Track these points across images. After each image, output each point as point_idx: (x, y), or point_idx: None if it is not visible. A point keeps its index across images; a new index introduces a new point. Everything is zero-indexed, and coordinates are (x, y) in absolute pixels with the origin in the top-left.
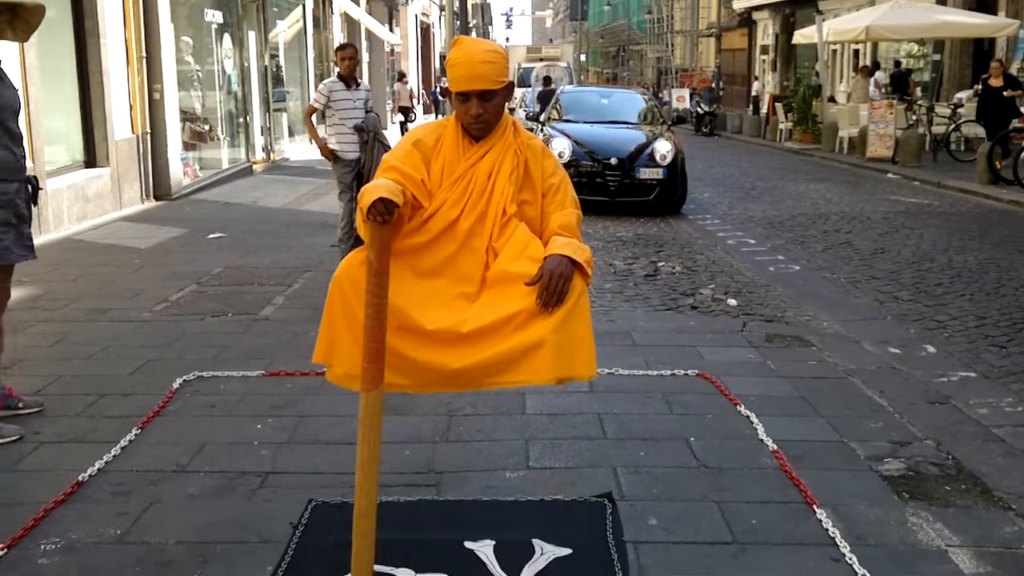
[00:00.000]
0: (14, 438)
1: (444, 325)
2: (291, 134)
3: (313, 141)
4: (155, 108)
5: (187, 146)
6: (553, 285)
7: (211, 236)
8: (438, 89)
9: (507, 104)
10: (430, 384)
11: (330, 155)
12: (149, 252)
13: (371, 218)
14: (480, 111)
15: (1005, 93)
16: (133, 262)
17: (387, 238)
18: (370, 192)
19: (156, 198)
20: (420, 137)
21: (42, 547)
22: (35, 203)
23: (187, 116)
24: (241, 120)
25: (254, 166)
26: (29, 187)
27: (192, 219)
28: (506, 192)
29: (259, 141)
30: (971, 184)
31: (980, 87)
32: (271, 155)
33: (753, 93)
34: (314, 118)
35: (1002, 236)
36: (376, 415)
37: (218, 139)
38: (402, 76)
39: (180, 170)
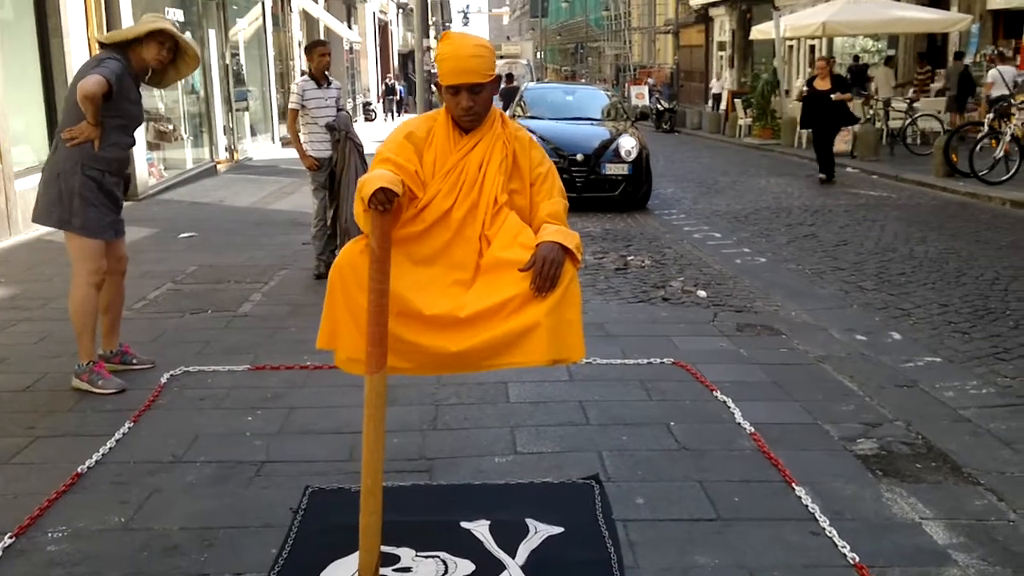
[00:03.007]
0: (114, 391)
1: (442, 310)
2: (253, 133)
3: (295, 148)
4: None
5: (151, 146)
6: (546, 271)
7: (182, 235)
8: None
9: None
10: (430, 367)
11: (313, 164)
12: None
13: (372, 207)
14: (470, 104)
15: (833, 96)
16: None
17: (388, 226)
18: (370, 182)
19: None
20: (412, 130)
21: (49, 535)
22: (125, 195)
23: (151, 116)
24: (204, 120)
25: (218, 166)
26: (125, 182)
27: (160, 219)
28: (496, 182)
29: (222, 141)
30: (928, 177)
31: (805, 89)
32: (234, 155)
33: (714, 90)
34: (298, 124)
35: (960, 227)
36: (381, 397)
37: (182, 139)
38: None
39: (146, 170)
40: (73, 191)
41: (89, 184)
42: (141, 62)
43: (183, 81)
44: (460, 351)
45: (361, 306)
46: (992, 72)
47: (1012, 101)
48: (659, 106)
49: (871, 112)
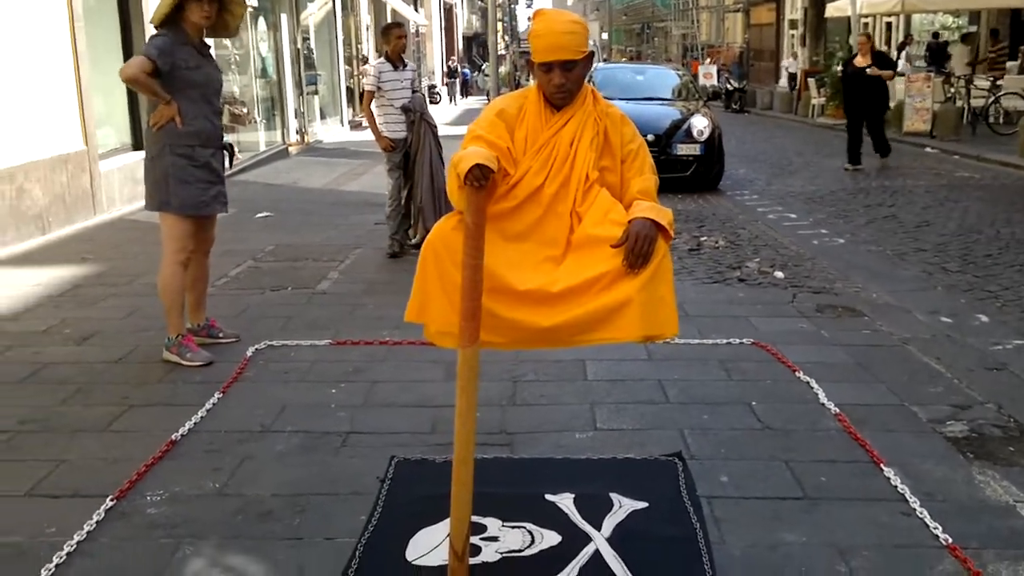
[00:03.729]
0: (202, 363)
1: (534, 285)
2: (323, 116)
3: (371, 130)
4: None
5: (226, 129)
6: (639, 247)
7: (258, 216)
8: (458, 67)
9: (587, 74)
10: (522, 341)
11: (389, 145)
12: None
13: (468, 183)
14: (562, 81)
15: (868, 71)
16: None
17: (483, 202)
18: (466, 159)
19: None
20: (503, 107)
21: (148, 498)
22: (230, 165)
23: (226, 99)
24: (276, 103)
25: (290, 148)
26: (225, 152)
27: (237, 199)
28: (588, 159)
29: (293, 124)
30: (1012, 157)
31: (841, 68)
32: (305, 137)
33: (789, 69)
34: (373, 105)
35: None
36: (473, 370)
37: (255, 122)
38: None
39: None
40: (167, 173)
41: (179, 162)
42: (193, 27)
43: (255, 65)
44: (552, 326)
45: (454, 281)
46: None
47: None
48: (728, 86)
49: (952, 91)
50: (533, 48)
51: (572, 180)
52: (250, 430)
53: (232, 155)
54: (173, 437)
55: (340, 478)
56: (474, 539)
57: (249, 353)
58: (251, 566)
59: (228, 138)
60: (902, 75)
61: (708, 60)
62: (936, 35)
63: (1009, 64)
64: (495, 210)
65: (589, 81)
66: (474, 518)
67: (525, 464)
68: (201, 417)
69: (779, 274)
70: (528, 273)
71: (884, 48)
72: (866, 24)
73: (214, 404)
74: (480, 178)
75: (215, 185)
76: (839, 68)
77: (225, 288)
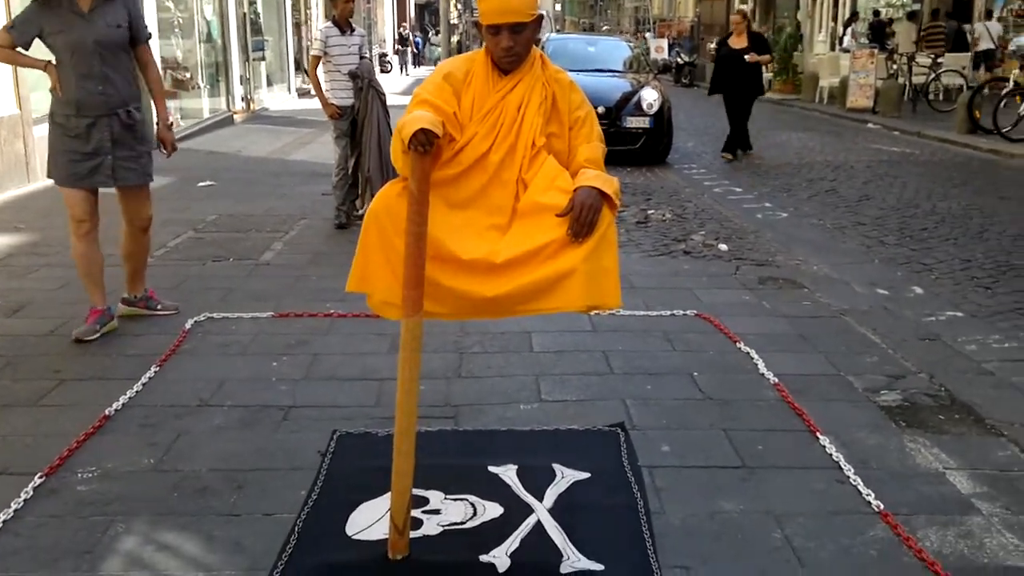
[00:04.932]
0: (90, 338)
1: (478, 255)
2: (270, 83)
3: (317, 96)
4: None
5: (168, 95)
6: (584, 216)
7: (201, 184)
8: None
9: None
10: (465, 311)
11: (335, 112)
12: None
13: (413, 148)
14: (511, 44)
15: (747, 57)
16: None
17: (428, 168)
18: (411, 123)
19: None
20: (450, 71)
21: (79, 475)
22: (133, 134)
23: (168, 64)
24: (221, 69)
25: (235, 116)
26: (119, 120)
27: (179, 167)
28: (535, 124)
29: (239, 90)
30: (950, 134)
31: (714, 48)
32: (251, 105)
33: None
34: (319, 71)
35: (983, 184)
36: (417, 339)
37: (199, 88)
38: None
39: None
40: (49, 143)
41: (56, 132)
42: None
43: (200, 29)
44: (496, 296)
45: (397, 249)
46: (978, 27)
47: None
48: (679, 60)
49: (894, 67)
50: (481, 10)
51: (519, 146)
52: (187, 404)
53: (132, 123)
54: (107, 412)
55: (280, 453)
56: (415, 512)
57: (188, 325)
58: (186, 543)
59: (168, 104)
60: (847, 51)
61: (659, 34)
62: (877, 13)
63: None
64: (440, 176)
65: (541, 50)
66: (416, 491)
67: (469, 436)
68: (136, 391)
69: (723, 247)
70: (472, 241)
71: (832, 24)
72: (814, 1)
73: (150, 378)
74: (424, 143)
75: (95, 157)
76: (713, 48)
77: (164, 259)
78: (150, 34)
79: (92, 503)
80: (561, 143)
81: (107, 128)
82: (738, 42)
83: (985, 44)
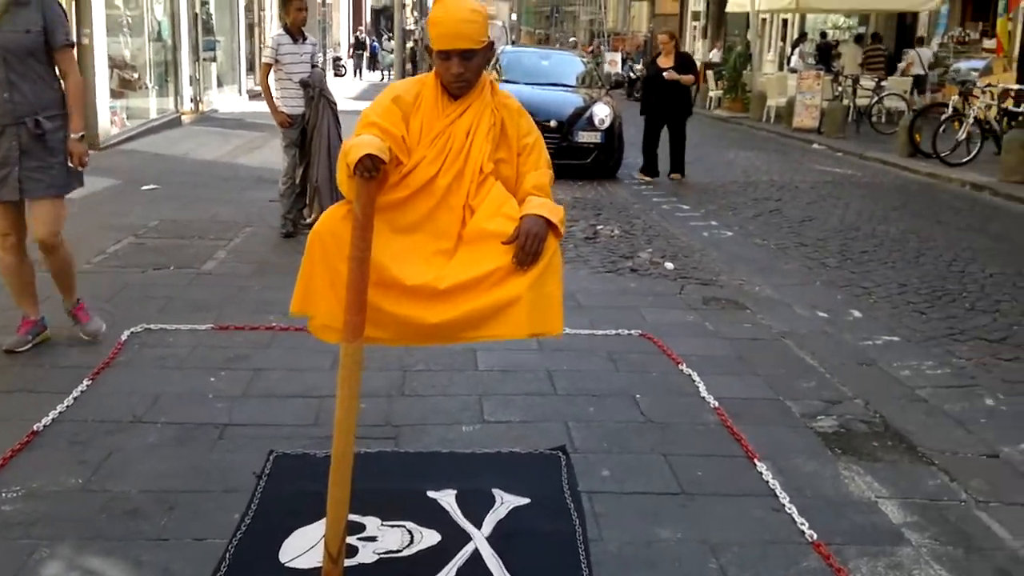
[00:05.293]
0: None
1: (423, 281)
2: (220, 84)
3: (268, 104)
4: (83, 54)
5: (115, 94)
6: (529, 245)
7: (145, 188)
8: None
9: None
10: (408, 337)
11: (285, 121)
12: (82, 202)
13: (359, 173)
14: (461, 70)
15: (665, 75)
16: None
17: (373, 193)
18: (357, 148)
19: None
20: (400, 93)
21: (3, 494)
22: (43, 144)
23: (115, 63)
24: (170, 68)
25: (183, 117)
26: (26, 129)
27: (122, 169)
28: (483, 150)
29: (188, 91)
30: (892, 156)
31: (643, 68)
32: (200, 106)
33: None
34: (270, 79)
35: (922, 207)
36: (356, 365)
37: (146, 88)
38: None
39: (108, 119)
40: None
41: None
42: None
43: (150, 28)
44: (439, 322)
45: (340, 273)
46: (910, 53)
47: (976, 84)
48: (632, 74)
49: (839, 89)
50: (432, 36)
51: (466, 172)
52: (120, 420)
53: (42, 132)
54: (35, 427)
55: (214, 473)
56: (351, 539)
57: (124, 337)
58: (112, 569)
59: (114, 104)
60: (795, 71)
61: (614, 48)
62: (824, 35)
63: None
64: (386, 200)
65: (495, 63)
66: (352, 517)
67: (409, 459)
68: (67, 406)
69: (669, 265)
70: (417, 267)
71: (780, 44)
72: (764, 20)
73: (82, 392)
74: (371, 169)
75: (2, 169)
76: (640, 68)
77: (103, 265)
78: (70, 40)
79: (17, 524)
80: (509, 169)
81: (15, 138)
82: (665, 62)
83: (916, 70)
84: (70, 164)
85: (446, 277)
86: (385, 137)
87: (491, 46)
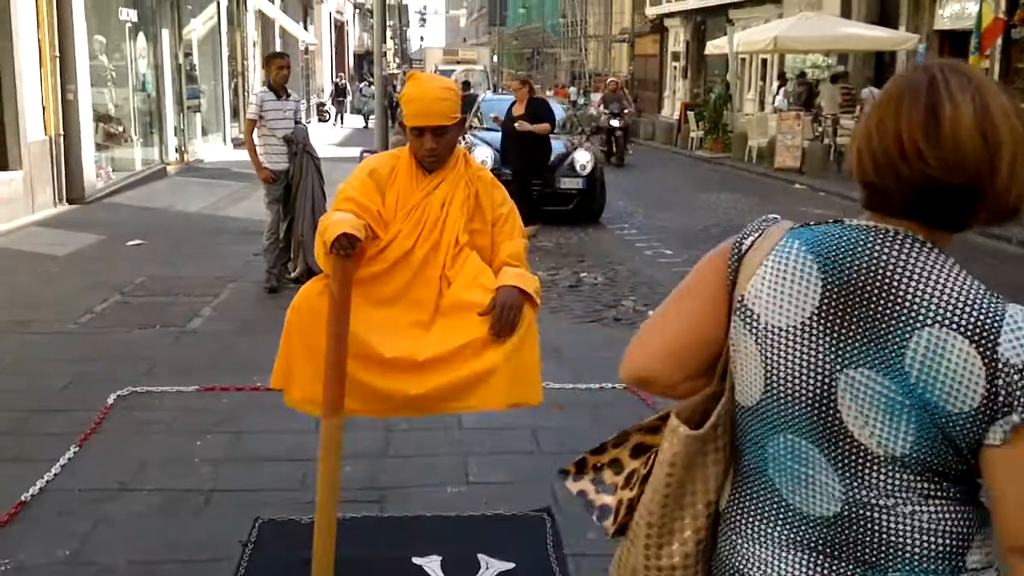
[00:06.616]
0: None
1: (401, 353)
2: (204, 133)
3: (252, 160)
4: (68, 109)
5: (100, 147)
6: (505, 316)
7: (130, 243)
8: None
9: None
10: (388, 409)
11: (269, 177)
12: (67, 259)
13: (335, 251)
14: (434, 145)
15: (516, 125)
16: (51, 270)
17: (349, 271)
18: (333, 227)
19: (69, 201)
20: (375, 167)
21: None
22: None
23: (100, 116)
24: (154, 119)
25: (168, 168)
26: None
27: (108, 224)
28: (458, 222)
29: (172, 141)
30: None
31: (501, 117)
32: (185, 156)
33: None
34: (255, 135)
35: None
36: (336, 440)
37: (131, 140)
38: None
39: (94, 172)
40: None
41: None
42: None
43: (134, 80)
44: (418, 394)
45: (318, 347)
46: (864, 92)
47: None
48: (610, 124)
49: (820, 129)
50: (406, 112)
51: (442, 243)
52: (107, 488)
53: None
54: (23, 497)
55: (201, 542)
56: None
57: (110, 401)
58: None
59: (99, 157)
60: (779, 111)
61: (596, 88)
62: (803, 75)
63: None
64: (364, 274)
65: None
66: None
67: (393, 524)
68: (55, 474)
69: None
70: (395, 339)
71: (760, 84)
72: (743, 60)
73: (69, 459)
74: (347, 247)
75: None
76: (496, 117)
77: (89, 326)
78: None
79: None
80: (484, 239)
81: None
82: (519, 110)
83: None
84: None
85: (424, 349)
86: (362, 212)
87: (463, 122)
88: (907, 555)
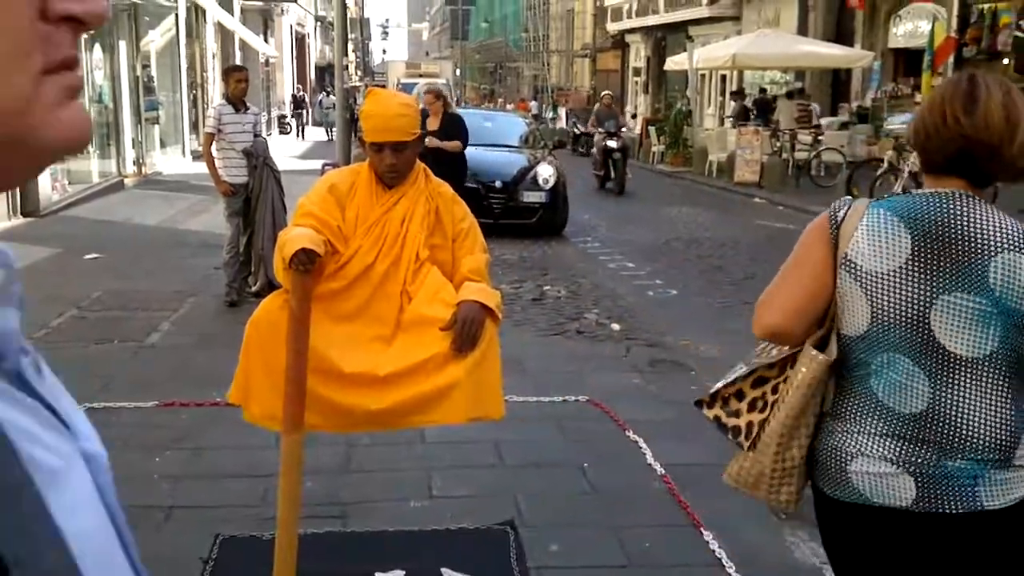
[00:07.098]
0: None
1: (362, 368)
2: (163, 145)
3: (211, 174)
4: None
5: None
6: (467, 331)
7: (87, 257)
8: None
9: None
10: (349, 425)
11: (228, 190)
12: (22, 274)
13: (294, 267)
14: (393, 161)
15: (427, 141)
16: None
17: (309, 286)
18: (292, 242)
19: (24, 215)
20: (335, 182)
21: None
22: None
23: None
24: (111, 131)
25: (126, 180)
26: None
27: (64, 237)
28: (419, 237)
29: (130, 154)
30: None
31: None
32: (143, 168)
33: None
34: (213, 148)
35: None
36: (297, 456)
37: (88, 152)
38: None
39: (49, 185)
40: None
41: None
42: None
43: (90, 91)
44: (379, 409)
45: (278, 362)
46: (814, 106)
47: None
48: (576, 130)
49: (778, 144)
50: (365, 128)
51: (403, 259)
52: None
53: None
54: None
55: (160, 559)
56: None
57: None
58: None
59: (55, 169)
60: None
61: (558, 102)
62: (763, 91)
63: (828, 120)
64: (324, 289)
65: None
66: None
67: (356, 539)
68: None
69: (615, 326)
70: (356, 354)
71: (720, 99)
72: (703, 76)
73: None
74: (305, 263)
75: None
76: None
77: (45, 340)
78: None
79: None
80: (445, 254)
81: None
82: (432, 125)
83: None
84: None
85: (385, 364)
86: (322, 228)
87: (422, 138)
88: (973, 444)
